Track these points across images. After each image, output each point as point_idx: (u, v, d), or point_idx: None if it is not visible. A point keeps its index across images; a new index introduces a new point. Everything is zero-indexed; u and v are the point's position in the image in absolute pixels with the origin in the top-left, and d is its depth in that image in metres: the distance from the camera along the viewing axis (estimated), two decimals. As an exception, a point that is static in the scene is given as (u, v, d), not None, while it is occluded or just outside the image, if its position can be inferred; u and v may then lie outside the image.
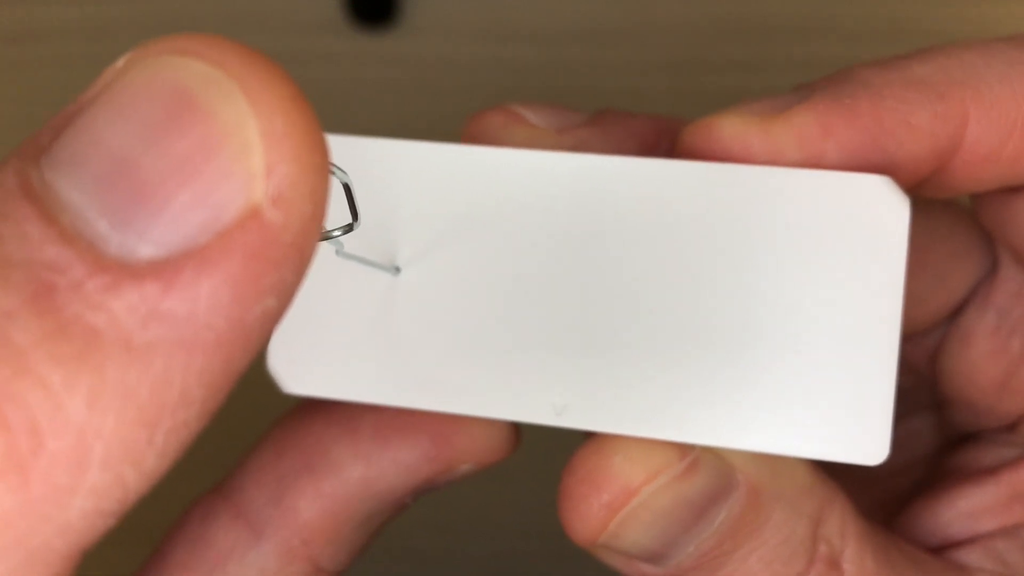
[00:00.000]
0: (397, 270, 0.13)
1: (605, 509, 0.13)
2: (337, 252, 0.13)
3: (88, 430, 0.08)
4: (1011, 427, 0.17)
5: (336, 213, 0.12)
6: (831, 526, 0.14)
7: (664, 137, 0.15)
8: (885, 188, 0.13)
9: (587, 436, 0.14)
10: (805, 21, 0.30)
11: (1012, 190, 0.15)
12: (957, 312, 0.17)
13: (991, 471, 0.16)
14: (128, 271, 0.08)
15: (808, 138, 0.13)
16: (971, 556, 0.15)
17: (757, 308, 0.13)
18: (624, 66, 0.30)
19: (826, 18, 0.30)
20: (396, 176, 0.14)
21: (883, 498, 0.17)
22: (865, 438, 0.13)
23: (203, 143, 0.08)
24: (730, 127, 0.13)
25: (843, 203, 0.13)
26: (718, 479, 0.13)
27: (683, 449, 0.13)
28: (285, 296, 0.09)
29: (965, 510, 0.16)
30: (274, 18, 0.30)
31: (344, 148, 0.14)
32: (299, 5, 0.30)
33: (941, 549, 0.16)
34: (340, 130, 0.34)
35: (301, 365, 0.14)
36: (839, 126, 0.13)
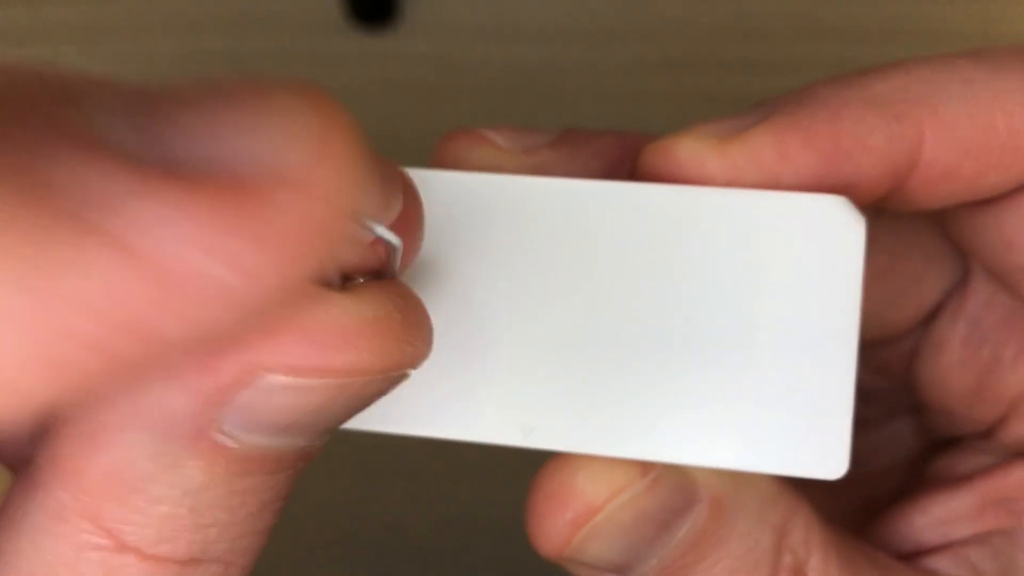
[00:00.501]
0: None
1: (569, 525, 0.14)
2: None
3: None
4: (986, 433, 0.17)
5: None
6: (795, 536, 0.14)
7: (629, 155, 0.16)
8: (841, 208, 0.13)
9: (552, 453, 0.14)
10: (805, 21, 0.30)
11: (974, 204, 0.15)
12: (930, 319, 0.17)
13: (965, 478, 0.16)
14: None
15: (765, 160, 0.13)
16: (942, 563, 0.16)
17: (717, 328, 0.13)
18: (624, 66, 0.30)
19: (826, 18, 0.30)
20: (464, 208, 0.14)
21: (864, 503, 0.17)
22: (824, 453, 0.13)
23: None
24: (687, 149, 0.14)
25: (800, 223, 0.13)
26: (680, 494, 0.14)
27: (645, 466, 0.13)
28: None
29: (938, 517, 0.16)
30: (274, 18, 0.30)
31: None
32: (299, 5, 0.30)
33: (914, 556, 0.16)
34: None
35: None
36: (795, 148, 0.13)
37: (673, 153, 0.14)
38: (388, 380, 0.11)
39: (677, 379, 0.13)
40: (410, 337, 0.11)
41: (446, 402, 0.13)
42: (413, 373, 0.12)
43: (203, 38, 0.31)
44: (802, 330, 0.13)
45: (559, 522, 0.14)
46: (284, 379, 0.10)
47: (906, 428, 0.19)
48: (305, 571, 0.35)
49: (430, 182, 0.14)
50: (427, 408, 0.13)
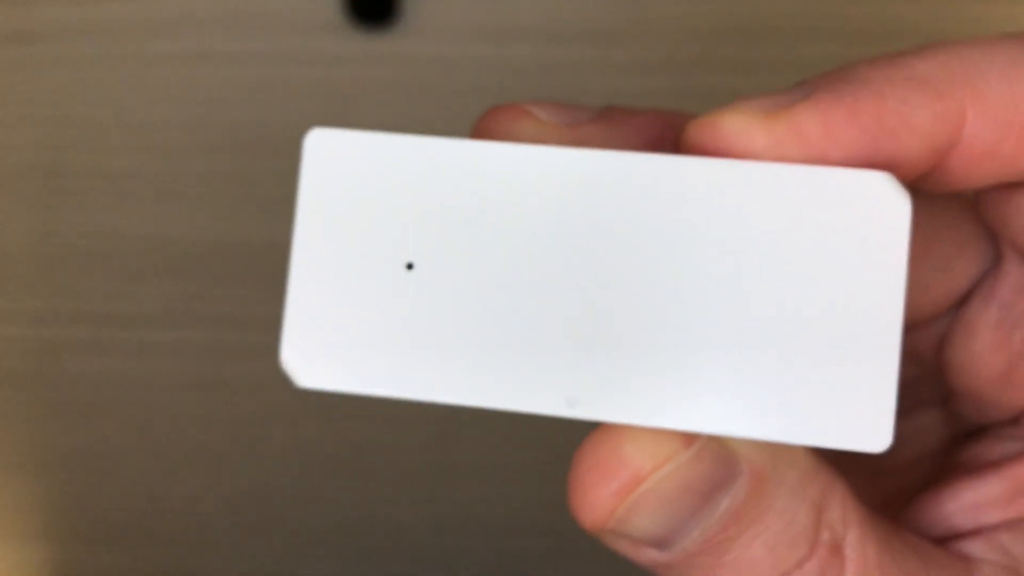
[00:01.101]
0: (410, 266, 0.14)
1: (614, 495, 0.14)
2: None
3: None
4: (1015, 420, 0.17)
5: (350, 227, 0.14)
6: (833, 513, 0.14)
7: (669, 132, 0.16)
8: (886, 184, 0.13)
9: (593, 428, 0.14)
10: (805, 21, 0.30)
11: (1012, 186, 0.15)
12: (961, 303, 0.17)
13: (994, 464, 0.17)
14: None
15: (810, 136, 0.13)
16: (975, 547, 0.16)
17: (762, 301, 0.13)
18: (624, 66, 0.30)
19: (826, 18, 0.30)
20: (405, 172, 0.14)
21: (893, 493, 0.18)
22: (869, 426, 0.13)
23: None
24: (733, 124, 0.14)
25: (845, 198, 0.13)
26: (722, 466, 0.14)
27: (689, 437, 0.14)
28: None
29: (969, 503, 0.16)
30: (274, 18, 0.30)
31: (351, 144, 0.14)
32: (299, 5, 0.30)
33: (945, 540, 0.16)
34: (340, 130, 0.34)
35: (313, 359, 0.14)
36: (841, 125, 0.13)
37: (719, 128, 0.14)
38: None
39: (722, 351, 0.13)
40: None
41: (493, 372, 0.14)
42: (458, 341, 0.13)
43: (202, 38, 0.31)
44: (847, 304, 0.13)
45: (604, 492, 0.14)
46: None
47: (935, 419, 0.19)
48: (305, 570, 0.35)
49: (474, 152, 0.14)
50: (475, 378, 0.14)
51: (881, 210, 0.13)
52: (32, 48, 0.31)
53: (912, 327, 0.18)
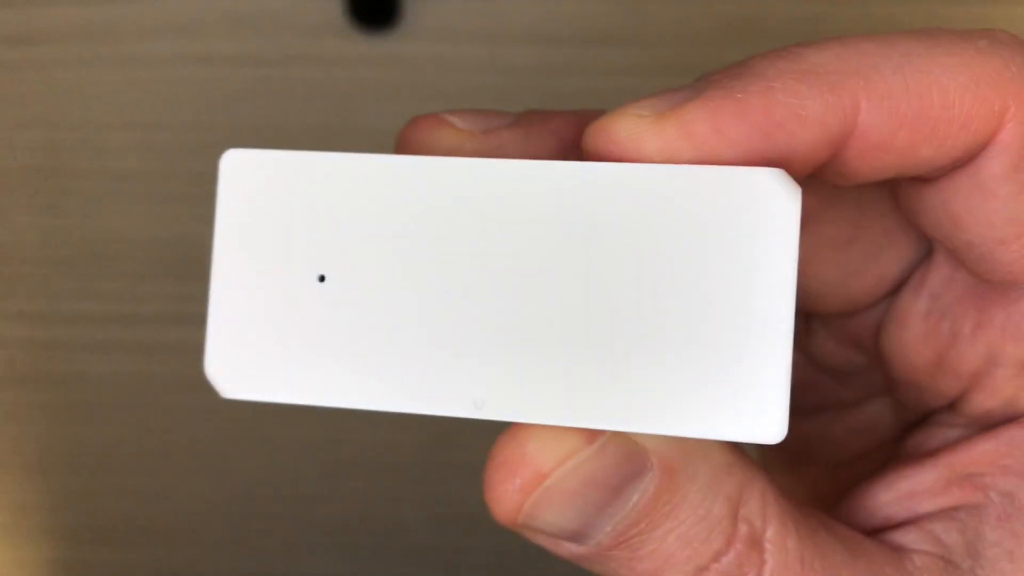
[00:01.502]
0: (321, 278, 0.15)
1: (519, 492, 0.14)
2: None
3: None
4: (952, 408, 0.17)
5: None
6: (751, 506, 0.14)
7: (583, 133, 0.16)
8: (775, 179, 0.13)
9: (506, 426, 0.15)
10: (804, 22, 0.30)
11: (918, 180, 0.15)
12: (895, 293, 0.18)
13: (931, 453, 0.17)
14: None
15: (699, 135, 0.13)
16: (908, 537, 0.16)
17: (659, 299, 0.14)
18: (623, 68, 0.30)
19: (824, 20, 0.30)
20: (316, 188, 0.15)
21: (846, 486, 0.18)
22: (764, 418, 0.13)
23: None
24: (624, 127, 0.14)
25: (737, 195, 0.13)
26: (629, 460, 0.14)
27: (592, 434, 0.14)
28: None
29: (904, 492, 0.16)
30: (275, 20, 0.30)
31: (265, 162, 0.15)
32: (300, 7, 0.30)
33: (880, 531, 0.16)
34: (341, 131, 0.34)
35: (235, 371, 0.15)
36: (729, 122, 0.13)
37: (610, 132, 0.14)
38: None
39: (619, 349, 0.14)
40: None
41: (402, 377, 0.14)
42: (369, 348, 0.14)
43: (203, 39, 0.31)
44: (741, 300, 0.13)
45: (509, 489, 0.14)
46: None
47: (885, 409, 0.19)
48: (305, 570, 0.35)
49: (386, 167, 0.14)
50: (383, 382, 0.14)
51: (770, 206, 0.13)
52: (33, 49, 0.31)
53: (847, 313, 0.18)
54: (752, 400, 0.13)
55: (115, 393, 0.34)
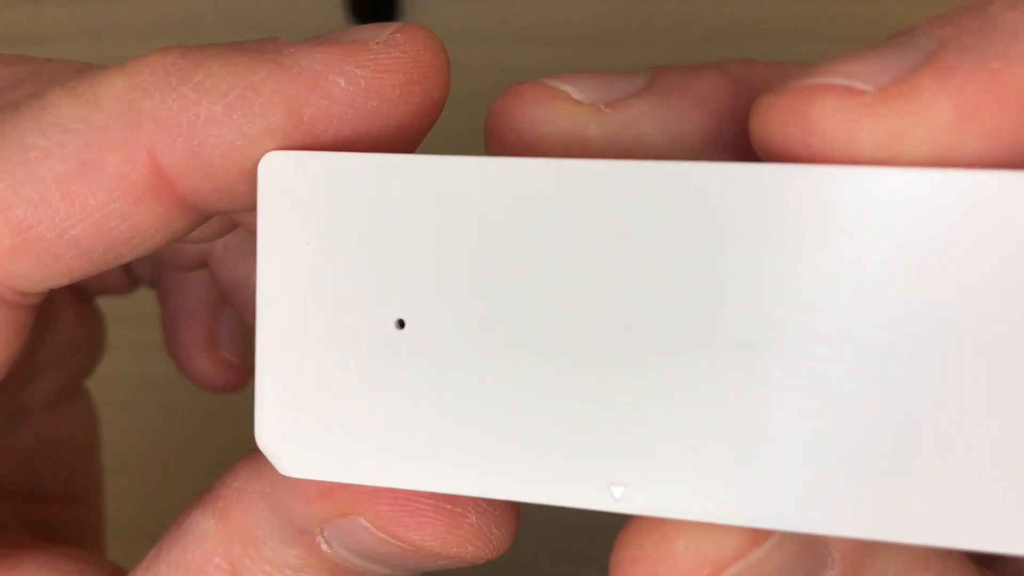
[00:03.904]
0: (401, 323, 0.11)
1: None
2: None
3: None
4: None
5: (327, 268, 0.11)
6: None
7: (743, 101, 0.12)
8: None
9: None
10: (804, 22, 0.30)
11: None
12: None
13: None
14: None
15: (941, 124, 0.09)
16: None
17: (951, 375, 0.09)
18: (623, 68, 0.30)
19: (826, 19, 0.30)
20: (395, 199, 0.11)
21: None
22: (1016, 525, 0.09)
23: None
24: (829, 113, 0.09)
25: (993, 215, 0.09)
26: (807, 553, 0.11)
27: (760, 534, 0.11)
28: None
29: None
30: (275, 19, 0.30)
31: (323, 167, 0.11)
32: (300, 7, 0.30)
33: None
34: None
35: (298, 444, 0.11)
36: (986, 105, 0.09)
37: (810, 118, 0.09)
38: (459, 563, 0.12)
39: (790, 436, 0.10)
40: (482, 539, 0.12)
41: (514, 454, 0.11)
42: (465, 416, 0.11)
43: (203, 39, 0.31)
44: (1004, 375, 0.09)
45: None
46: (367, 524, 0.12)
47: None
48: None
49: (481, 173, 0.11)
50: (494, 464, 0.11)
51: None
52: (36, 50, 0.31)
53: None
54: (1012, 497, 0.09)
55: (114, 393, 0.34)
